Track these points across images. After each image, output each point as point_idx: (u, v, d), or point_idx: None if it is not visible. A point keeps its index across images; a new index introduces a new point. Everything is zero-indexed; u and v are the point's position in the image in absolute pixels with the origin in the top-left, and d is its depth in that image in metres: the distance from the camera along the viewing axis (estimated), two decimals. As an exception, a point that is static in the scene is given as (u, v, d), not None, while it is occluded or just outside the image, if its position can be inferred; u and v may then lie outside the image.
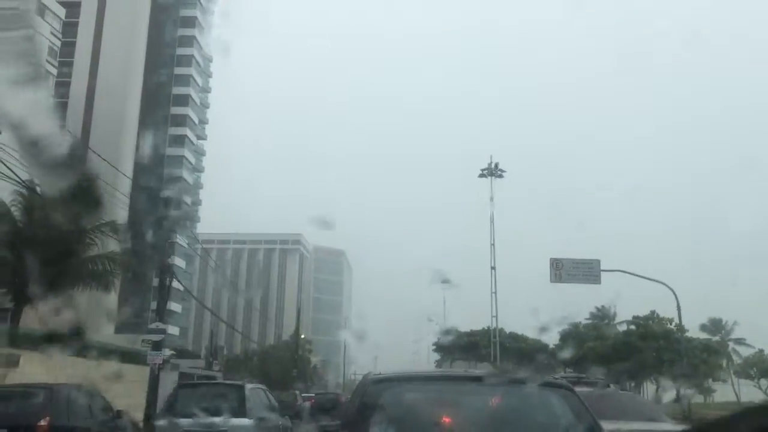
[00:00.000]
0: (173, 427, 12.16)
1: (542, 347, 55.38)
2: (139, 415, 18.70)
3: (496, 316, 44.68)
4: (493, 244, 45.37)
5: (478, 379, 4.46)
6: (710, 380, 45.50)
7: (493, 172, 47.00)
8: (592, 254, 31.08)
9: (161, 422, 13.07)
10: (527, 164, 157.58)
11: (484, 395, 4.14)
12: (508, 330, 55.09)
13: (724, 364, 53.78)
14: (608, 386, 15.79)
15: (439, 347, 63.21)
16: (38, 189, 19.11)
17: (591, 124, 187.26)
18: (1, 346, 18.20)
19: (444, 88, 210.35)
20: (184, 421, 11.98)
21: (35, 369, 19.17)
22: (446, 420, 3.99)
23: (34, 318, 25.09)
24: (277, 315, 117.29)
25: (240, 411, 12.41)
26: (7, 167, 16.44)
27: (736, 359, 69.88)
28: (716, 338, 64.40)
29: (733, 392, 62.01)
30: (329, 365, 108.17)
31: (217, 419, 11.91)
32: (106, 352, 26.16)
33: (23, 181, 19.33)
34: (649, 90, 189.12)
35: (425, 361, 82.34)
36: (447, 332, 59.74)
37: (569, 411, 3.92)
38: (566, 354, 49.24)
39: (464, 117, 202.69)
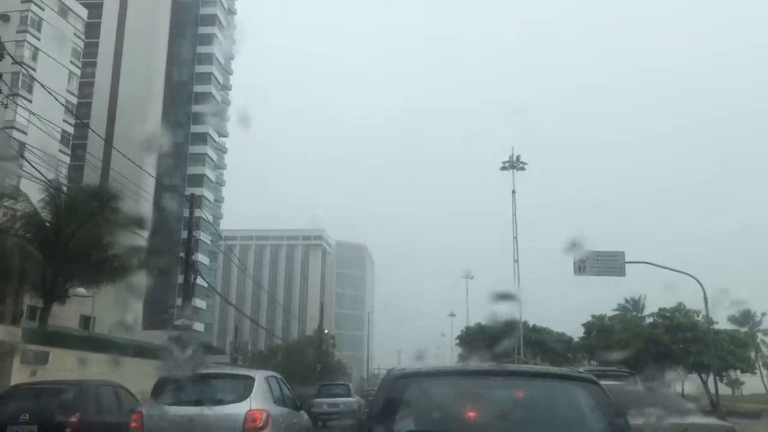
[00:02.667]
0: (321, 403, 25.73)
1: (566, 340, 54.91)
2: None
3: (520, 310, 44.48)
4: (515, 237, 45.18)
5: (502, 374, 4.45)
6: (738, 372, 44.76)
7: (514, 164, 46.69)
8: (618, 247, 30.71)
9: (316, 400, 25.95)
10: (551, 158, 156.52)
11: (508, 389, 4.13)
12: (531, 323, 54.75)
13: (753, 356, 52.97)
14: (634, 379, 15.64)
15: (463, 341, 63.05)
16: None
17: (614, 120, 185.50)
18: (31, 344, 18.52)
19: (468, 85, 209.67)
20: (325, 400, 26.08)
21: (64, 366, 19.51)
22: (471, 414, 3.99)
23: (63, 316, 25.52)
24: (300, 310, 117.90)
25: (347, 394, 28.00)
26: (35, 168, 16.73)
27: (765, 350, 68.74)
28: (744, 329, 63.40)
29: (762, 384, 61.04)
30: (352, 360, 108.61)
31: (338, 399, 26.54)
32: (132, 348, 26.52)
33: (50, 182, 19.65)
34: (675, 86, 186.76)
35: (449, 356, 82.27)
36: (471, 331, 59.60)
37: (594, 404, 3.89)
38: (591, 347, 48.80)
39: (487, 113, 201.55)
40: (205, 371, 10.23)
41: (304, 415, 12.19)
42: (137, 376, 21.60)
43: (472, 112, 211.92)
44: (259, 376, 10.06)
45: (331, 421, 24.77)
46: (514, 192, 46.32)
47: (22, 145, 35.54)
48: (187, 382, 9.79)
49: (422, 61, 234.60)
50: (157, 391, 9.63)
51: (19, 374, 17.46)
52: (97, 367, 20.85)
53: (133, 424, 9.26)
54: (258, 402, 9.20)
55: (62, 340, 20.71)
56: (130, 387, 13.46)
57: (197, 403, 9.23)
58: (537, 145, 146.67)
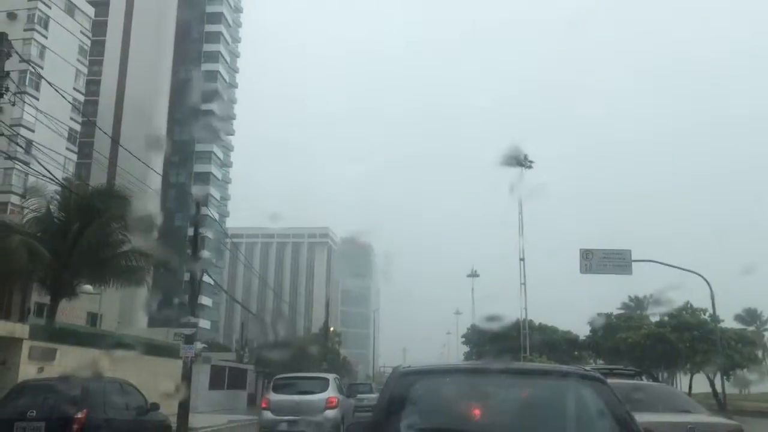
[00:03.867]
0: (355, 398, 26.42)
1: (572, 339, 54.76)
2: (172, 408, 18.99)
3: (526, 308, 44.39)
4: (521, 236, 45.02)
5: (508, 372, 4.43)
6: (745, 371, 44.57)
7: (521, 162, 46.45)
8: (623, 245, 30.73)
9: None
10: (556, 157, 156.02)
11: (514, 388, 4.11)
12: (537, 322, 54.59)
13: (760, 355, 52.78)
14: (641, 378, 15.61)
15: (468, 340, 62.98)
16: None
17: (618, 119, 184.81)
18: (39, 341, 18.60)
19: (475, 85, 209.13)
20: (359, 395, 28.11)
21: (71, 362, 19.59)
22: (476, 412, 3.98)
23: (70, 313, 25.61)
24: (305, 308, 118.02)
25: (370, 391, 31.91)
26: (44, 167, 16.79)
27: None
28: (751, 328, 63.13)
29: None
30: (358, 357, 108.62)
31: (363, 395, 29.16)
32: (139, 345, 26.61)
33: (60, 180, 19.72)
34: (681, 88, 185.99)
35: (454, 354, 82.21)
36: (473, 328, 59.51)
37: (601, 403, 3.87)
38: (597, 345, 48.68)
39: (494, 111, 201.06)
40: (299, 375, 19.07)
41: (351, 400, 20.02)
42: (144, 373, 21.70)
43: (478, 109, 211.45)
44: (330, 377, 17.66)
45: (357, 412, 28.19)
46: (519, 190, 46.12)
47: (30, 143, 35.70)
48: (291, 381, 17.36)
49: (424, 60, 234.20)
50: (275, 386, 16.88)
51: (27, 371, 17.54)
52: (104, 364, 20.95)
53: (263, 405, 16.02)
54: (332, 392, 16.29)
55: (69, 337, 20.78)
56: (136, 383, 13.51)
57: (298, 393, 16.10)
58: (542, 144, 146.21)
